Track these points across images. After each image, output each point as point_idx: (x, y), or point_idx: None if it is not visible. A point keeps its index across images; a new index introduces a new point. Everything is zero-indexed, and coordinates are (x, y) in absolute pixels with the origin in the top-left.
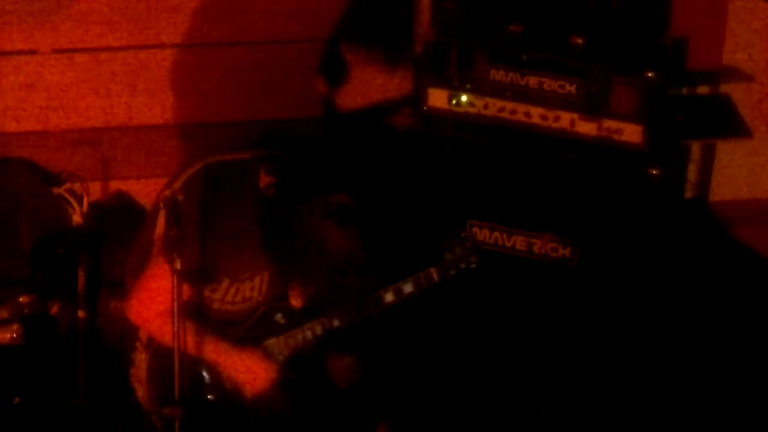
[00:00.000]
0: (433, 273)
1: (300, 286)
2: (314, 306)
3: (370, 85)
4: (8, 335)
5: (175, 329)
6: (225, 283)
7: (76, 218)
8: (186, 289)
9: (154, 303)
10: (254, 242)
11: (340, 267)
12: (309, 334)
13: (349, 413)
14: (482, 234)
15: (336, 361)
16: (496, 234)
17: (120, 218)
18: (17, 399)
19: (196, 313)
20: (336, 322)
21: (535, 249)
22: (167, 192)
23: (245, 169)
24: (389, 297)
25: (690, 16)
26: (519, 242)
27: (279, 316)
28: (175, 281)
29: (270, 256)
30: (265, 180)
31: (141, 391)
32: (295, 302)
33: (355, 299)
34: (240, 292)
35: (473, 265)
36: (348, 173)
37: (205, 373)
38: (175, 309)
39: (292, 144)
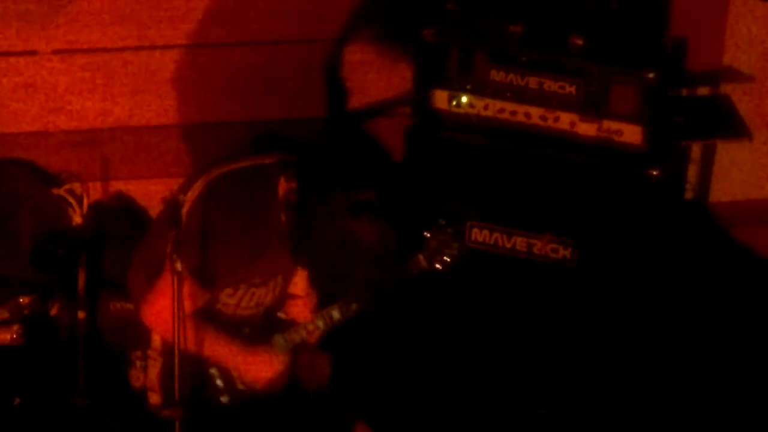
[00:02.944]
0: (421, 259)
1: (304, 278)
2: (323, 297)
3: (373, 85)
4: (8, 335)
5: (176, 330)
6: (242, 290)
7: (76, 218)
8: (202, 294)
9: (171, 308)
10: (273, 248)
11: (377, 260)
12: (311, 328)
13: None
14: (482, 235)
15: (309, 362)
16: (496, 235)
17: (120, 218)
18: (17, 399)
19: (210, 318)
20: (337, 315)
21: (535, 250)
22: (172, 192)
23: (262, 175)
24: None
25: (690, 16)
26: (519, 243)
27: (282, 313)
28: (176, 282)
29: (304, 262)
30: (285, 186)
31: (155, 398)
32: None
33: (393, 287)
34: (255, 296)
35: (456, 251)
36: (365, 171)
37: (217, 376)
38: (175, 308)
39: (294, 145)
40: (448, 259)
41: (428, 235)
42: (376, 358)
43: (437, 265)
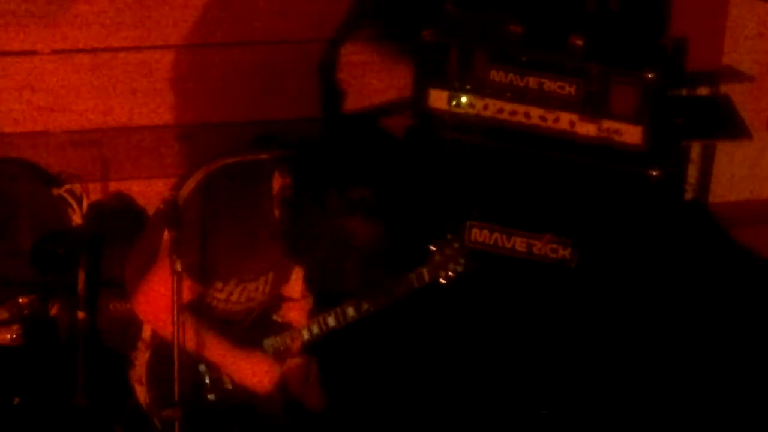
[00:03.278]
0: (424, 273)
1: (300, 280)
2: (325, 296)
3: (371, 85)
4: (8, 336)
5: (175, 331)
6: (232, 284)
7: (76, 219)
8: (193, 288)
9: (162, 299)
10: (264, 243)
11: (369, 259)
12: (306, 333)
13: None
14: (482, 235)
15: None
16: (495, 235)
17: (120, 218)
18: (17, 399)
19: (200, 312)
20: (332, 322)
21: (535, 250)
22: (171, 193)
23: (257, 170)
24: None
25: (690, 16)
26: (519, 243)
27: (277, 315)
28: (175, 282)
29: (297, 257)
30: (280, 181)
31: (141, 391)
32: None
33: (386, 287)
34: (246, 291)
35: (461, 267)
36: (360, 168)
37: (205, 373)
38: (175, 310)
39: (292, 143)
40: (453, 274)
41: (433, 248)
42: (375, 358)
43: (441, 280)
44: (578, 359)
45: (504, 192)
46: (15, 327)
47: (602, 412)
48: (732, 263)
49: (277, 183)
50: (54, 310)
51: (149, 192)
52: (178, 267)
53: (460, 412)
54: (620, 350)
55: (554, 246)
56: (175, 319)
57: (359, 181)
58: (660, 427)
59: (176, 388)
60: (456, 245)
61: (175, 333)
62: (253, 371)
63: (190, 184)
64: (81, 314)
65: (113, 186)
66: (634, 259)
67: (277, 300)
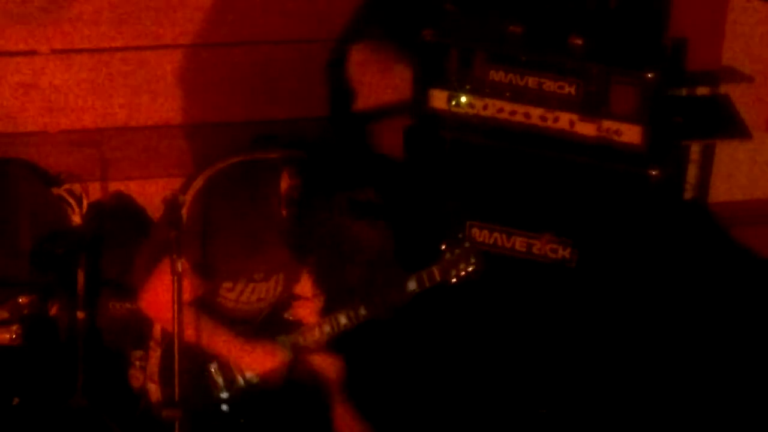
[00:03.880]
0: (435, 272)
1: (310, 279)
2: (330, 299)
3: (376, 85)
4: (8, 336)
5: (176, 330)
6: (241, 284)
7: (76, 219)
8: (201, 285)
9: (169, 296)
10: (273, 243)
11: (373, 263)
12: (317, 332)
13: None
14: (482, 235)
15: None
16: (495, 235)
17: (120, 218)
18: (17, 399)
19: (210, 311)
20: (344, 320)
21: (535, 250)
22: (173, 192)
23: (266, 170)
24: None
25: (690, 16)
26: (518, 243)
27: (287, 314)
28: (176, 282)
29: (301, 258)
30: (288, 181)
31: (154, 390)
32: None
33: (388, 293)
34: (255, 292)
35: (473, 266)
36: (369, 170)
37: (217, 372)
38: (176, 310)
39: (299, 143)
40: (464, 274)
41: (444, 247)
42: (372, 357)
43: (453, 279)
44: (578, 359)
45: (504, 192)
46: (15, 327)
47: (602, 412)
48: (732, 263)
49: (284, 183)
50: (54, 310)
51: (149, 192)
52: (179, 267)
53: (460, 411)
54: (620, 350)
55: (554, 246)
56: (176, 318)
57: (367, 183)
58: (660, 427)
59: (176, 388)
60: (467, 245)
61: (176, 332)
62: (261, 358)
63: (198, 183)
64: (81, 314)
65: (113, 186)
66: (633, 259)
67: (287, 299)
